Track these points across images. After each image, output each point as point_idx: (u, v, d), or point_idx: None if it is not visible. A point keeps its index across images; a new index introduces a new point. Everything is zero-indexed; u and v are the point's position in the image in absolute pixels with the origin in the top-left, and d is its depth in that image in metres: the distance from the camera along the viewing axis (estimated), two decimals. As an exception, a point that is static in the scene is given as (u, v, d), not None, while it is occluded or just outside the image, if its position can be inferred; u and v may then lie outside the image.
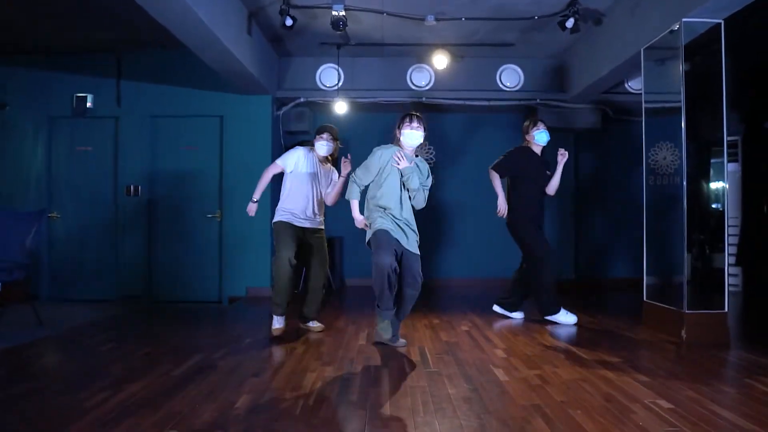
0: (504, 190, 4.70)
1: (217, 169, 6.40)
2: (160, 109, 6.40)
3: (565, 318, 4.59)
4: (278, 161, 4.29)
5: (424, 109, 6.89)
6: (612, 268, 7.39)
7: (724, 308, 3.92)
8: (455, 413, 2.45)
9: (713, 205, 4.53)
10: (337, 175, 4.32)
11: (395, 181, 3.70)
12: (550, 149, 4.89)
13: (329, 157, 4.33)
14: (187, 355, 3.54)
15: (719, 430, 2.24)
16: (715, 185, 4.88)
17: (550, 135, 6.54)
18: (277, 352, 3.65)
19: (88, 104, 6.35)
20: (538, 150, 4.74)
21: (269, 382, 2.97)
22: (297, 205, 4.19)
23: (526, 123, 4.78)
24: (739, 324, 4.77)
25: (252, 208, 4.31)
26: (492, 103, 6.69)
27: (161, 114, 6.41)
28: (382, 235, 3.59)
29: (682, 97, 4.03)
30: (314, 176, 4.24)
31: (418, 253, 3.77)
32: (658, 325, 4.23)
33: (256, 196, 4.27)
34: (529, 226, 4.63)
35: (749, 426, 2.28)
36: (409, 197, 3.76)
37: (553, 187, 4.79)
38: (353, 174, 3.84)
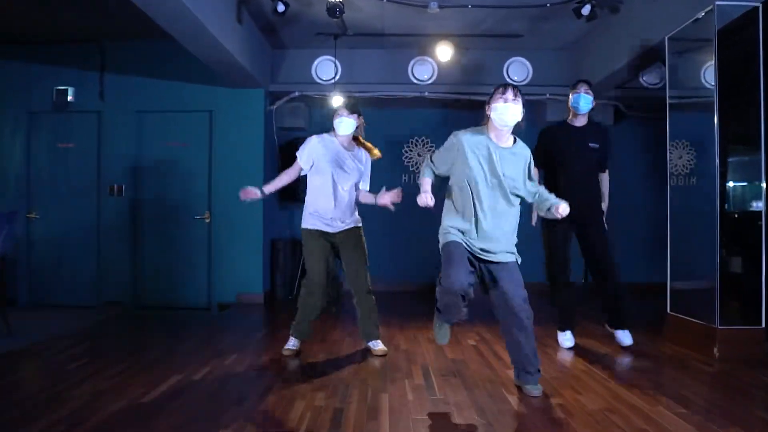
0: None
1: (206, 167, 6.01)
2: (146, 103, 6.01)
3: (562, 339, 3.93)
4: (300, 158, 3.61)
5: (426, 104, 6.52)
6: (624, 272, 6.97)
7: (761, 323, 3.54)
8: (467, 458, 2.08)
9: (750, 207, 4.16)
10: (368, 158, 3.67)
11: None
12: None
13: (357, 139, 3.69)
14: (163, 375, 3.16)
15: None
16: (735, 184, 4.55)
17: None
18: (265, 372, 3.27)
19: (70, 98, 5.95)
20: (580, 121, 3.81)
21: (251, 411, 2.59)
22: (323, 205, 3.56)
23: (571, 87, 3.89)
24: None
25: (248, 192, 3.55)
26: (499, 98, 6.29)
27: (147, 109, 6.01)
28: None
29: (715, 88, 3.64)
30: (338, 165, 3.54)
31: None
32: (685, 341, 3.85)
33: (267, 189, 3.60)
34: (553, 232, 3.74)
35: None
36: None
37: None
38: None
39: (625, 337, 3.84)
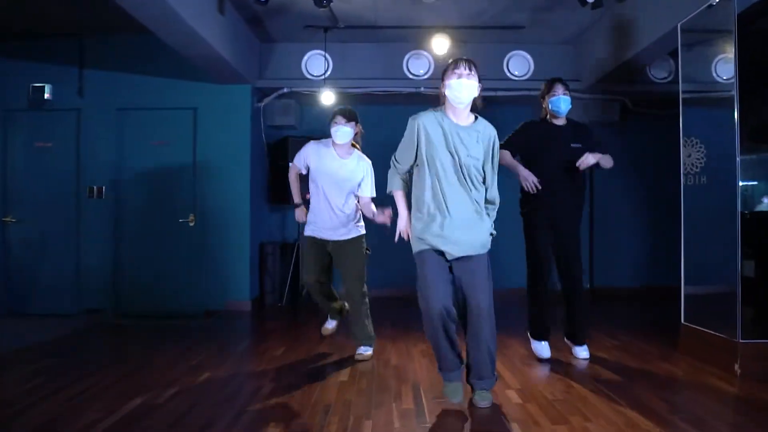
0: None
1: (190, 168, 5.69)
2: (128, 100, 5.69)
3: (534, 347, 3.69)
4: (295, 160, 3.70)
5: (422, 100, 6.19)
6: (630, 276, 6.66)
7: (786, 337, 3.22)
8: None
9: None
10: (366, 165, 3.61)
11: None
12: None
13: (354, 145, 3.66)
14: (125, 397, 2.86)
15: None
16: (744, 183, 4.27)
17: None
18: (238, 394, 2.96)
19: (47, 95, 5.62)
20: (559, 121, 3.63)
21: (216, 443, 2.28)
22: (317, 215, 3.62)
23: (543, 86, 3.72)
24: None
25: (299, 214, 3.77)
26: (498, 93, 5.97)
27: (128, 106, 5.70)
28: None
29: (735, 79, 3.32)
30: (330, 177, 3.54)
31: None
32: (702, 355, 3.52)
33: (296, 198, 3.77)
34: (531, 225, 3.58)
35: None
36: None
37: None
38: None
39: (582, 352, 3.64)
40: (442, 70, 2.74)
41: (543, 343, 3.65)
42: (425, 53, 5.90)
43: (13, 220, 5.72)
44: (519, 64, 6.00)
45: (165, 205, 5.68)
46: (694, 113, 4.09)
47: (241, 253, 5.68)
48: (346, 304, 3.86)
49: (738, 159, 3.33)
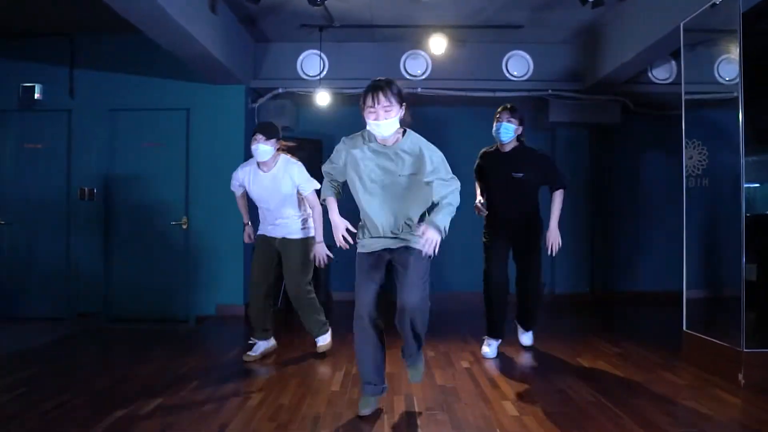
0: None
1: (183, 170, 5.59)
2: (119, 101, 5.59)
3: (485, 348, 3.84)
4: (233, 183, 3.89)
5: (419, 101, 6.09)
6: (632, 280, 6.56)
7: (792, 346, 3.11)
8: None
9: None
10: (294, 167, 3.62)
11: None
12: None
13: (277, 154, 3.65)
14: (108, 408, 2.75)
15: None
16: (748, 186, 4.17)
17: (564, 130, 6.06)
18: (226, 404, 2.85)
19: (37, 95, 5.52)
20: (505, 147, 3.74)
21: (197, 461, 2.17)
22: (267, 219, 3.79)
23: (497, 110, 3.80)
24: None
25: (246, 235, 4.02)
26: (497, 94, 5.85)
27: (120, 107, 5.60)
28: None
29: (740, 80, 3.22)
30: (259, 186, 3.67)
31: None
32: (705, 364, 3.42)
33: (245, 218, 4.04)
34: (487, 237, 3.82)
35: None
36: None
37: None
38: None
39: (527, 339, 4.05)
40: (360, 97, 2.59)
41: (492, 342, 3.85)
42: (422, 53, 5.80)
43: (2, 223, 5.63)
44: (518, 64, 5.89)
45: (157, 207, 5.58)
46: (696, 115, 4.00)
47: (235, 257, 5.58)
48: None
49: (742, 161, 3.23)
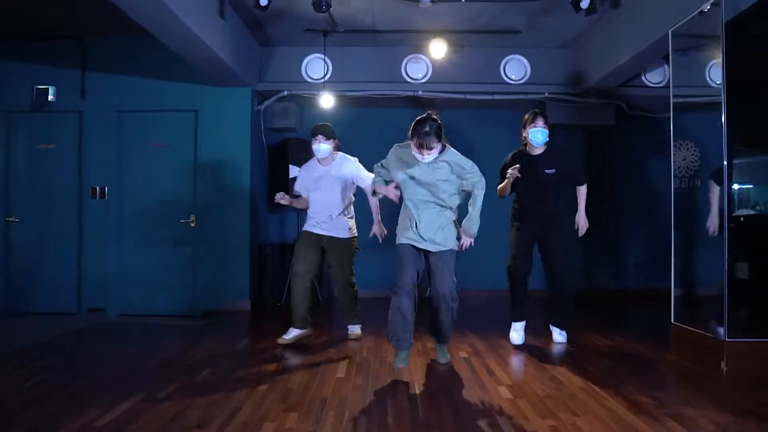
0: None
1: (191, 169, 5.78)
2: (129, 102, 5.78)
3: (512, 334, 4.17)
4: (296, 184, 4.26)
5: (420, 103, 6.28)
6: (626, 277, 6.74)
7: (773, 337, 3.29)
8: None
9: (757, 211, 3.92)
10: (352, 163, 4.18)
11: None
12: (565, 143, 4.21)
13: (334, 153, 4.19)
14: (125, 393, 2.93)
15: None
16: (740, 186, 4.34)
17: (561, 132, 6.24)
18: (236, 391, 3.03)
19: (50, 97, 5.71)
20: (536, 150, 4.09)
21: (214, 437, 2.35)
22: (316, 212, 4.16)
23: (525, 117, 4.13)
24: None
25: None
26: (495, 97, 6.05)
27: (130, 108, 5.79)
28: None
29: (723, 85, 3.39)
30: (320, 181, 4.11)
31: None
32: (691, 354, 3.59)
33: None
34: (514, 231, 4.17)
35: None
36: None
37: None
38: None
39: (561, 336, 4.18)
40: (410, 134, 3.31)
41: (518, 324, 4.17)
42: (423, 57, 5.98)
43: (16, 220, 5.81)
44: (516, 68, 6.07)
45: (166, 205, 5.76)
46: (689, 117, 4.17)
47: (241, 254, 5.76)
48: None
49: (725, 163, 3.40)
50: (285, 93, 6.02)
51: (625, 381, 3.17)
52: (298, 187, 4.24)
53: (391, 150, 3.49)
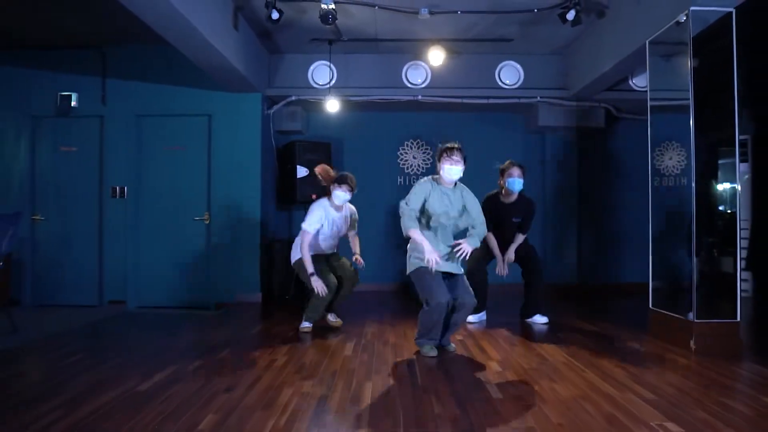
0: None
1: (205, 170, 6.17)
2: (147, 107, 6.18)
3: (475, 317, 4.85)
4: (307, 227, 4.39)
5: (420, 107, 6.66)
6: (616, 272, 7.10)
7: (736, 317, 3.65)
8: (439, 438, 2.20)
9: (722, 207, 4.26)
10: (352, 212, 4.69)
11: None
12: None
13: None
14: (158, 367, 3.31)
15: (736, 460, 1.98)
16: (722, 186, 4.65)
17: (552, 134, 6.81)
18: (256, 365, 3.40)
19: (73, 103, 6.12)
20: (510, 198, 4.75)
21: (241, 398, 2.72)
22: (324, 245, 4.57)
23: (503, 165, 4.74)
24: (751, 333, 4.49)
25: (319, 287, 4.32)
26: (491, 101, 6.44)
27: (148, 113, 6.18)
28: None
29: (691, 93, 3.77)
30: (333, 223, 4.51)
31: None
32: (666, 335, 3.97)
33: (310, 267, 4.33)
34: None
35: (770, 455, 2.02)
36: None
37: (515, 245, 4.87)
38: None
39: (541, 318, 4.78)
40: (438, 153, 3.73)
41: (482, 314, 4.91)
42: (422, 64, 6.35)
43: (42, 219, 6.20)
44: (510, 74, 6.44)
45: (181, 204, 6.14)
46: (674, 119, 4.48)
47: (252, 250, 6.14)
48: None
49: (693, 161, 3.75)
50: (293, 98, 6.40)
51: (602, 357, 3.54)
52: (315, 224, 4.43)
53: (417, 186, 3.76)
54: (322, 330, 4.47)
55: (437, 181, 3.74)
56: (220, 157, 6.15)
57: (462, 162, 3.66)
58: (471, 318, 4.79)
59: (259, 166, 6.17)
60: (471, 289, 3.73)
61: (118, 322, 5.18)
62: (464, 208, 3.74)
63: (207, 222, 6.11)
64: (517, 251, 4.82)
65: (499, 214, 4.73)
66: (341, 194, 4.41)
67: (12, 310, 4.67)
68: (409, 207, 3.63)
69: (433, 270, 3.57)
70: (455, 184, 3.76)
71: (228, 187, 6.12)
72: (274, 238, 6.62)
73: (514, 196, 4.73)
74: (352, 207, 4.72)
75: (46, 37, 5.88)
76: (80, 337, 4.38)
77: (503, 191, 4.75)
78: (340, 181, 4.41)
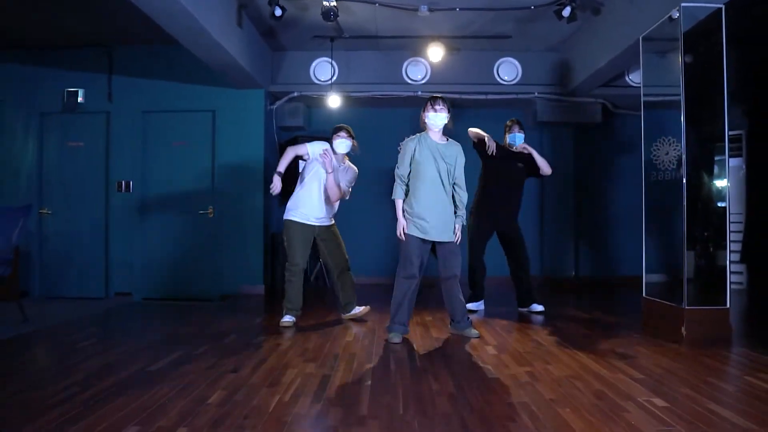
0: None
1: (209, 164, 6.29)
2: (152, 103, 6.30)
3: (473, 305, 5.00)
4: (306, 144, 4.42)
5: (420, 103, 6.75)
6: (613, 265, 7.22)
7: (725, 305, 3.77)
8: (437, 411, 2.33)
9: (712, 200, 4.37)
10: (354, 172, 4.57)
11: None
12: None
13: (346, 156, 4.56)
14: (167, 351, 3.43)
15: (716, 429, 2.10)
16: (713, 179, 4.76)
17: (550, 129, 7.08)
18: (260, 349, 3.53)
19: (80, 99, 6.25)
20: (512, 150, 5.04)
21: (247, 378, 2.85)
22: (310, 201, 4.39)
23: (507, 123, 5.07)
24: (742, 321, 4.62)
25: (276, 184, 4.35)
26: (490, 97, 6.56)
27: (153, 109, 6.31)
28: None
29: (682, 89, 3.88)
30: (336, 173, 4.40)
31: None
32: (658, 323, 4.08)
33: (281, 167, 4.36)
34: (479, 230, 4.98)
35: (748, 425, 2.14)
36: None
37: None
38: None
39: (538, 306, 4.87)
40: (423, 107, 3.85)
41: (480, 303, 5.06)
42: (422, 60, 6.47)
43: (49, 212, 6.32)
44: (508, 70, 6.56)
45: (186, 198, 6.27)
46: (671, 114, 4.59)
47: (255, 243, 6.26)
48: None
49: (684, 155, 3.87)
50: (295, 94, 6.52)
51: (596, 342, 3.66)
52: (313, 147, 4.36)
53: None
54: (324, 318, 4.59)
55: (426, 137, 3.83)
56: (224, 153, 6.27)
57: (446, 110, 3.78)
58: (470, 306, 4.89)
59: (262, 161, 6.29)
60: (460, 257, 3.84)
61: (124, 312, 5.31)
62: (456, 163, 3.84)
63: (211, 216, 6.24)
64: (505, 234, 4.96)
65: (507, 156, 4.94)
66: (341, 141, 4.40)
67: (22, 301, 4.79)
68: (399, 172, 3.79)
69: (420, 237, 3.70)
70: (447, 139, 3.89)
71: (232, 181, 6.25)
72: (277, 231, 6.74)
73: (516, 149, 5.01)
74: (355, 168, 4.60)
75: (54, 36, 5.99)
76: (89, 325, 4.51)
77: (507, 146, 5.03)
78: (336, 130, 4.44)
